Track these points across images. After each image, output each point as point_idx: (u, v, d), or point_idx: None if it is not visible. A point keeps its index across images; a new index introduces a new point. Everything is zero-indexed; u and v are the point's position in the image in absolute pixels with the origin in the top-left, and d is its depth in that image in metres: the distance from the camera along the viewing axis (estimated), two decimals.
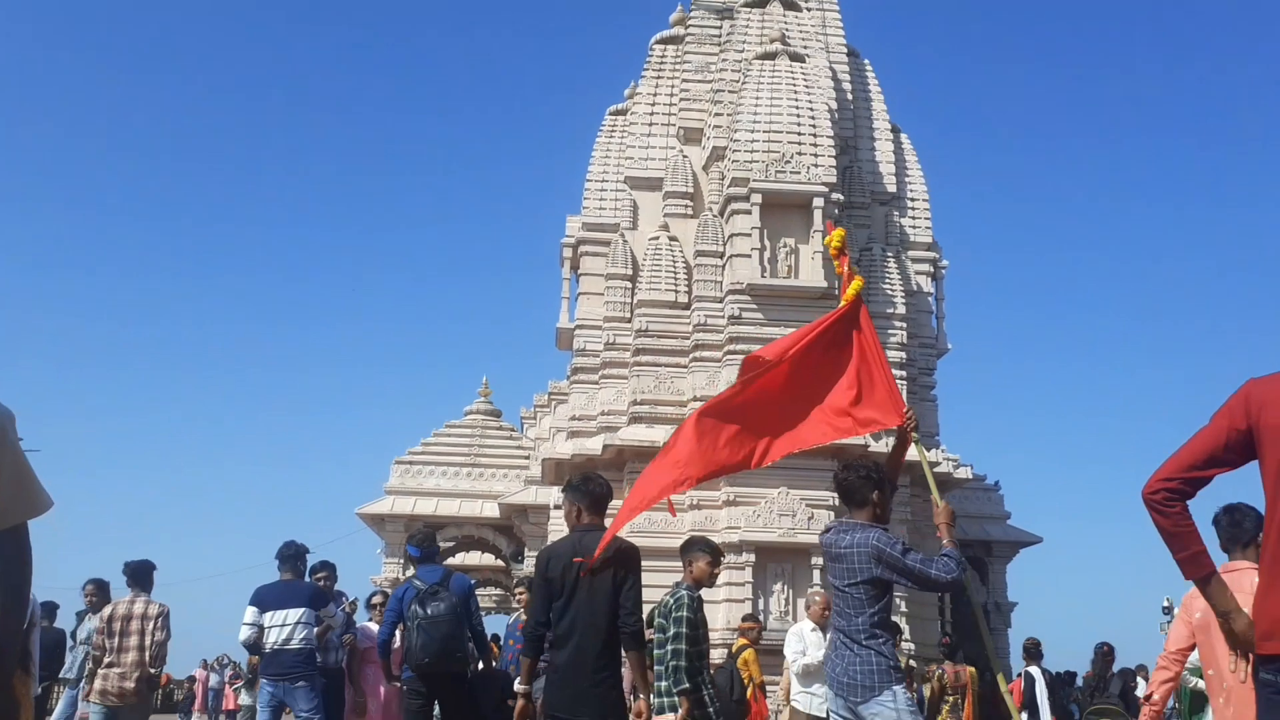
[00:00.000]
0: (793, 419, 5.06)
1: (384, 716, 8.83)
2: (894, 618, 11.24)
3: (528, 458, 29.06)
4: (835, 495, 18.79)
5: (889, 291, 20.75)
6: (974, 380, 67.47)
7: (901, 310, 20.72)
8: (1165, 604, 8.57)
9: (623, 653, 4.92)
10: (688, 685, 5.37)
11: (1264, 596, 2.87)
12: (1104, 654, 9.87)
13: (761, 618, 14.09)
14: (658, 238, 20.96)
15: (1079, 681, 12.22)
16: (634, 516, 4.90)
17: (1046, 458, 78.32)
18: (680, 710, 5.34)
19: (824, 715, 7.95)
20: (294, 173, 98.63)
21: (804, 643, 8.40)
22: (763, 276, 19.46)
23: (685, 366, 20.04)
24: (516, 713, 5.03)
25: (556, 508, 22.43)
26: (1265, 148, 78.00)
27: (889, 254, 21.20)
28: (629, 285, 21.13)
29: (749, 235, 19.55)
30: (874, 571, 4.43)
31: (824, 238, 5.68)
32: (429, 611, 6.80)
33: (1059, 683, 10.78)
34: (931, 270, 22.28)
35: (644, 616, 5.03)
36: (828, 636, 6.46)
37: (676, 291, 20.54)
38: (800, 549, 18.08)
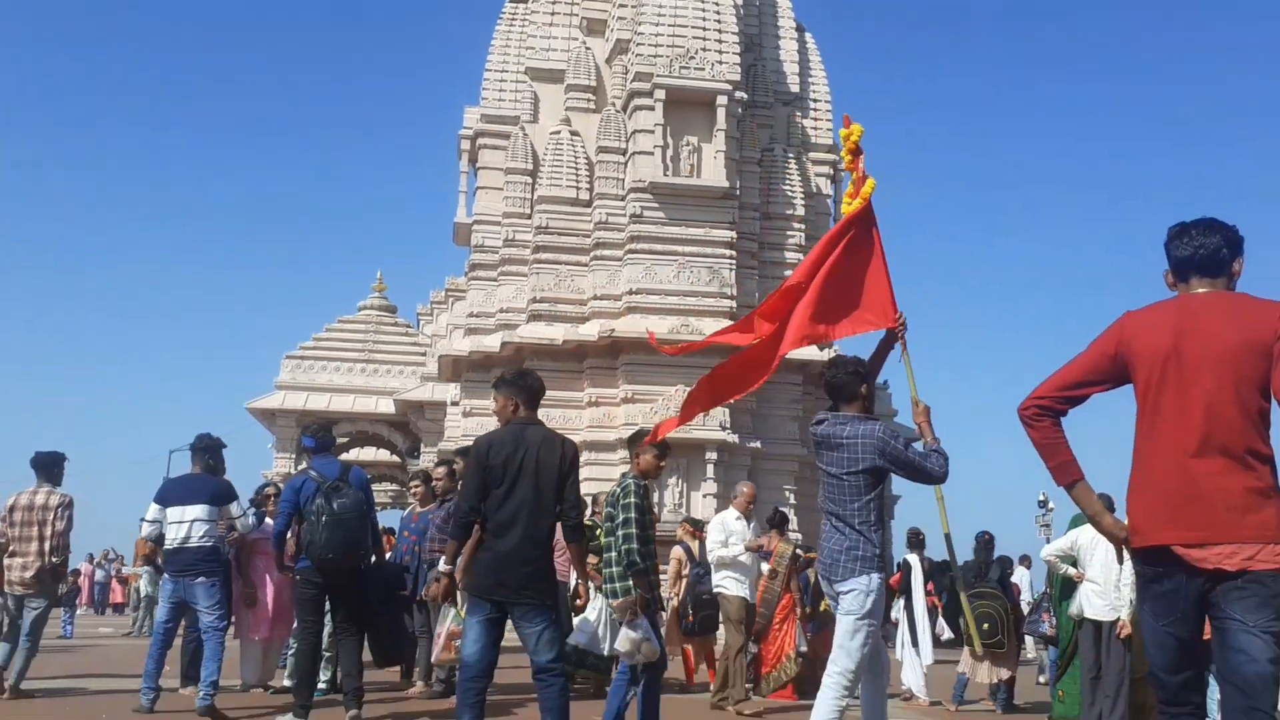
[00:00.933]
0: (821, 315, 5.27)
1: (275, 606, 8.77)
2: (783, 509, 11.56)
3: (424, 354, 28.77)
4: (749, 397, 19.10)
5: (789, 193, 20.84)
6: None
7: (801, 212, 20.84)
8: (1041, 498, 9.04)
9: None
10: (641, 565, 5.63)
11: (1131, 499, 3.28)
12: (984, 542, 10.35)
13: (656, 510, 14.34)
14: (559, 132, 20.58)
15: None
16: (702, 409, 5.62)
17: (934, 358, 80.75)
18: (635, 591, 5.63)
19: (745, 596, 8.59)
20: (186, 68, 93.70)
21: (726, 531, 8.67)
22: (665, 175, 19.32)
23: (586, 265, 19.91)
24: (440, 591, 5.18)
25: (454, 404, 22.29)
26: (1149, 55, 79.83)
27: (790, 155, 21.22)
28: (529, 180, 20.78)
29: (652, 132, 19.34)
30: (875, 461, 4.69)
31: (841, 130, 5.64)
32: (335, 506, 6.74)
33: (936, 569, 11.25)
34: (831, 173, 22.39)
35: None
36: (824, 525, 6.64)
37: (578, 188, 20.28)
38: (695, 444, 18.37)
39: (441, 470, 9.06)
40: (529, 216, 20.48)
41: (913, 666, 10.09)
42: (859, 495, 4.70)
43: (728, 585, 8.61)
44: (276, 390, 29.11)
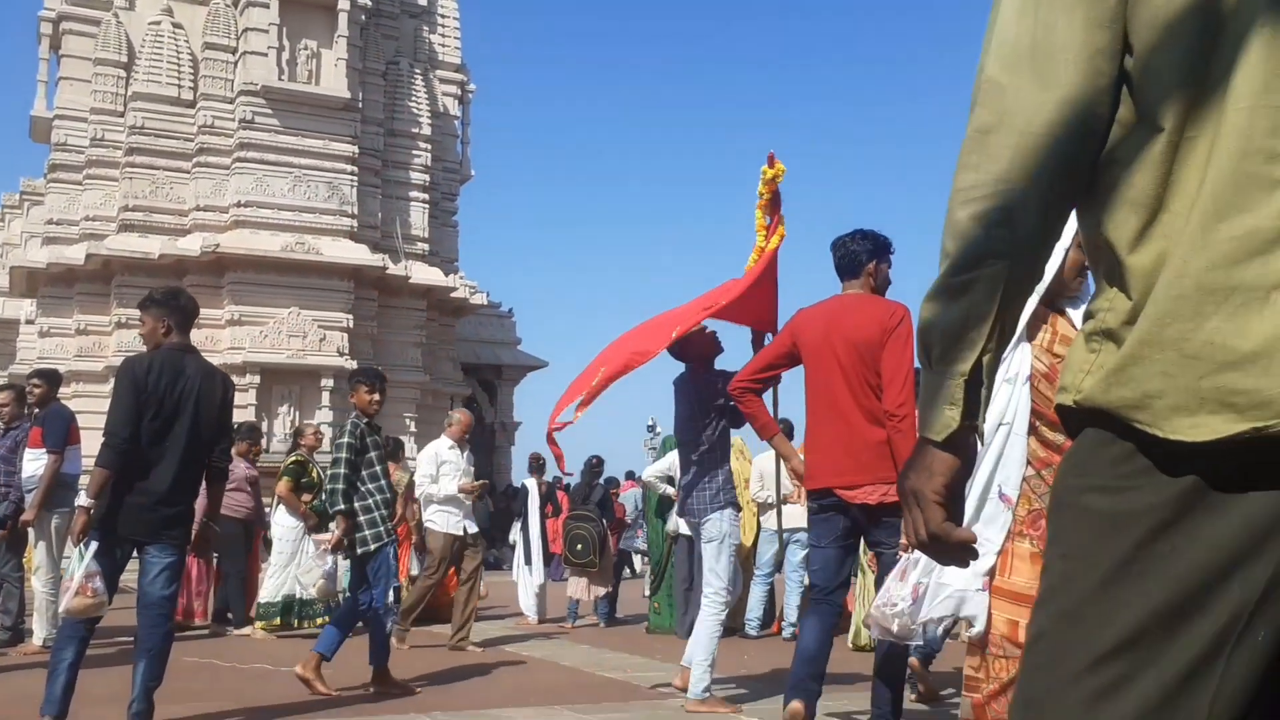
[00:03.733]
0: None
1: None
2: (401, 437, 11.31)
3: None
4: (350, 316, 18.44)
5: (415, 110, 20.16)
6: (492, 208, 69.04)
7: (427, 131, 20.26)
8: (650, 423, 9.54)
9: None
10: (343, 507, 5.78)
11: (805, 451, 4.46)
12: (592, 466, 10.71)
13: (265, 441, 13.52)
14: (159, 23, 18.55)
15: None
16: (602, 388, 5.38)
17: (555, 286, 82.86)
18: (338, 530, 5.81)
19: (462, 533, 7.86)
20: None
21: (439, 461, 7.97)
22: (280, 79, 18.01)
23: (188, 171, 18.23)
24: (81, 527, 4.66)
25: (29, 322, 19.91)
26: None
27: (417, 70, 20.50)
28: (123, 74, 18.61)
29: (266, 32, 17.93)
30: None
31: (763, 167, 5.41)
32: None
33: (551, 491, 11.57)
34: (459, 94, 21.94)
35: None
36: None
37: (180, 87, 18.43)
38: (310, 371, 17.54)
39: (7, 395, 7.90)
40: (122, 114, 18.38)
41: (525, 588, 10.27)
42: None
43: (436, 520, 7.99)
44: None
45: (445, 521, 7.95)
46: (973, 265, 1.12)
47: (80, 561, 5.15)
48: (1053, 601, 1.09)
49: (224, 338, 17.59)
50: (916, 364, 3.39)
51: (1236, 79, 1.02)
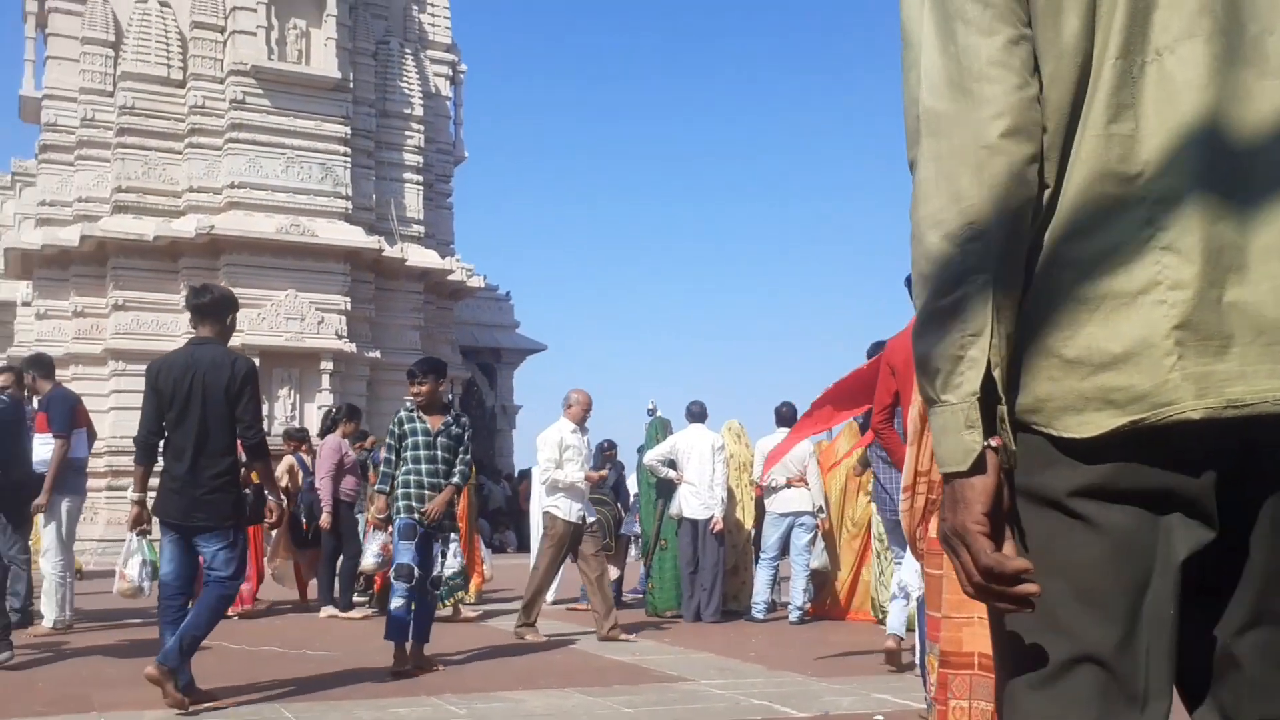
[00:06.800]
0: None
1: None
2: None
3: None
4: (348, 299, 18.34)
5: (406, 91, 20.03)
6: (487, 191, 68.70)
7: (419, 112, 20.13)
8: (650, 407, 9.48)
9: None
10: (382, 489, 6.41)
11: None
12: (604, 450, 10.74)
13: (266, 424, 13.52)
14: (146, 1, 18.36)
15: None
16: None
17: (552, 269, 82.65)
18: (378, 505, 6.55)
19: (580, 520, 7.61)
20: None
21: (563, 447, 7.69)
22: (270, 59, 17.87)
23: (180, 153, 18.11)
24: (132, 519, 5.29)
25: (25, 304, 19.77)
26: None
27: (407, 51, 20.36)
28: (111, 54, 18.43)
29: (254, 11, 17.77)
30: None
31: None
32: None
33: None
34: (450, 74, 21.81)
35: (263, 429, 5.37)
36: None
37: (169, 66, 18.27)
38: (309, 354, 17.51)
39: (7, 376, 7.93)
40: (111, 94, 18.23)
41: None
42: None
43: (560, 505, 7.64)
44: None
45: (568, 508, 7.65)
46: (957, 284, 1.14)
47: (127, 550, 5.67)
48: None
49: None
50: None
51: (1093, 109, 1.13)
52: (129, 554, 5.73)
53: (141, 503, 5.22)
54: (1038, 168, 1.15)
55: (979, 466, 1.13)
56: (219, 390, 5.05)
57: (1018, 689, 1.15)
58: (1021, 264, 1.16)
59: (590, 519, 7.77)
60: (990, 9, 1.16)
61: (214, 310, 5.28)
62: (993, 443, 1.13)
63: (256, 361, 17.25)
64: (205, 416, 5.04)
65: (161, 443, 5.16)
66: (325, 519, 8.86)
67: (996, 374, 1.13)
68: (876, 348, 6.13)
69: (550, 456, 7.69)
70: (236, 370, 5.14)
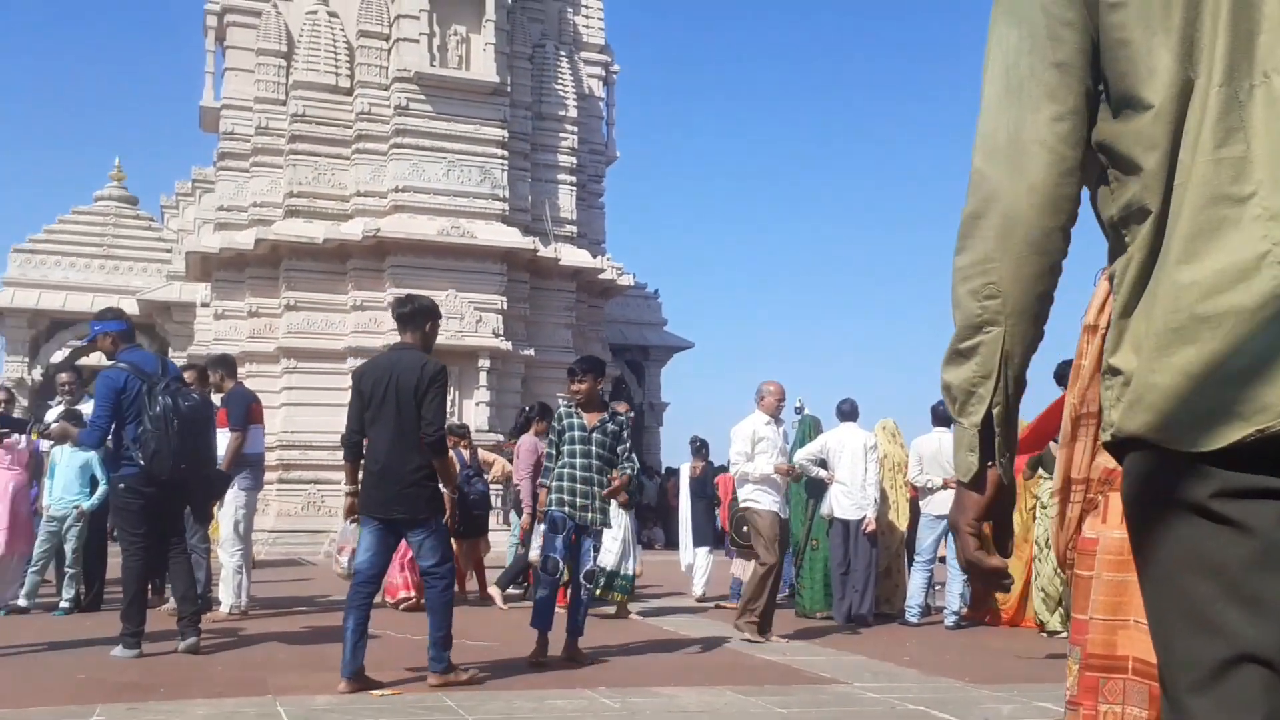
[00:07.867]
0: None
1: (11, 519, 8.33)
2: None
3: (169, 251, 26.80)
4: (504, 298, 18.78)
5: (561, 93, 20.36)
6: (637, 189, 69.27)
7: (573, 114, 20.43)
8: (798, 405, 9.32)
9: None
10: (544, 482, 6.57)
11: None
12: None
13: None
14: (315, 12, 19.19)
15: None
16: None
17: (699, 267, 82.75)
18: (540, 497, 6.77)
19: (778, 512, 7.55)
20: None
21: (756, 439, 7.57)
22: (431, 65, 18.43)
23: (348, 158, 18.87)
24: (346, 509, 5.69)
25: (204, 305, 20.88)
26: None
27: (562, 53, 20.70)
28: (283, 64, 19.34)
29: (417, 18, 18.34)
30: None
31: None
32: (183, 407, 6.07)
33: (711, 473, 11.53)
34: (603, 75, 22.06)
35: (445, 427, 5.72)
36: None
37: (337, 74, 19.06)
38: (468, 352, 18.01)
39: (190, 374, 8.46)
40: (284, 103, 19.14)
41: (700, 568, 10.44)
42: None
43: (758, 499, 7.55)
44: (4, 287, 26.45)
45: (768, 501, 7.55)
46: (973, 333, 1.31)
47: (342, 536, 6.13)
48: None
49: (385, 319, 18.18)
50: None
51: (1201, 136, 1.17)
52: (344, 540, 6.05)
53: (354, 494, 5.57)
54: (1061, 237, 1.30)
55: (977, 482, 1.34)
56: (410, 391, 5.39)
57: (1180, 693, 1.18)
58: (1033, 317, 1.32)
59: (785, 514, 7.76)
60: (1043, 85, 1.28)
61: (414, 318, 5.65)
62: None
63: None
64: (399, 416, 5.38)
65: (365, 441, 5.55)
66: (526, 520, 8.81)
67: (996, 411, 1.31)
68: (1064, 367, 6.07)
69: (741, 450, 7.60)
70: (425, 371, 5.45)
